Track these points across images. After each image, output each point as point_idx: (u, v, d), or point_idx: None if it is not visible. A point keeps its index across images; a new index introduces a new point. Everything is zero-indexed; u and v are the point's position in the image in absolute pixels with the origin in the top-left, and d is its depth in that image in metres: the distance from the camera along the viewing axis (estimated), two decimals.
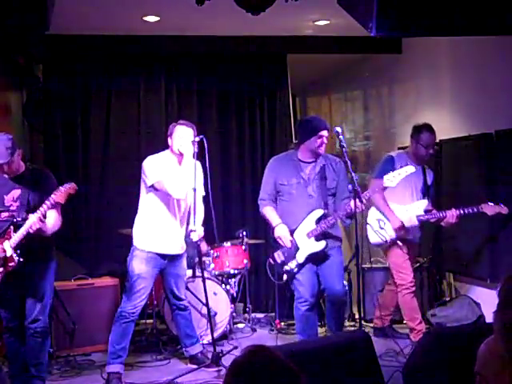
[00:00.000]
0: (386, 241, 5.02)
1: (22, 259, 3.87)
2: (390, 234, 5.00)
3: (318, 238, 4.53)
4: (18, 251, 3.86)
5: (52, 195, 3.85)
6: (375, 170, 5.14)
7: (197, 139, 4.42)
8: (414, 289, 4.97)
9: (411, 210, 4.97)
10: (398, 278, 5.00)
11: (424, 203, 4.98)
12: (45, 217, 3.83)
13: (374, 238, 5.11)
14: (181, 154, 4.46)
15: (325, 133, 4.56)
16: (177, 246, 4.60)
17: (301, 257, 4.54)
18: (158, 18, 5.49)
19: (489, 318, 5.35)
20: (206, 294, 4.60)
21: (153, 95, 6.42)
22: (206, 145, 4.37)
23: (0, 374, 3.81)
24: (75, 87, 6.25)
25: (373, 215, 5.11)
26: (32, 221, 3.79)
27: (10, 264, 3.88)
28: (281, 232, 4.56)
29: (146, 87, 6.41)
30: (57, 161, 6.18)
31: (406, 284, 4.95)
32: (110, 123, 6.33)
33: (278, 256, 4.60)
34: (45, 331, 4.09)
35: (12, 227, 3.89)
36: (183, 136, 4.45)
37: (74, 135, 6.26)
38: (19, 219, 3.91)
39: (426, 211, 4.94)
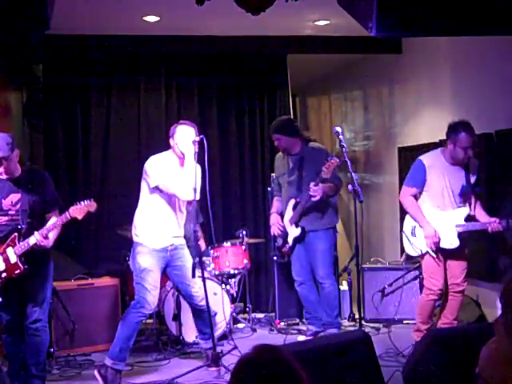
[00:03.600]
0: (421, 251, 4.64)
1: (27, 266, 3.89)
2: (424, 243, 4.63)
3: (296, 225, 5.24)
4: (23, 259, 3.88)
5: (70, 210, 3.91)
6: (408, 175, 4.85)
7: (197, 139, 4.40)
8: (440, 297, 4.70)
9: (450, 218, 4.56)
10: (428, 283, 4.70)
11: (465, 211, 4.56)
12: (46, 236, 3.90)
13: (408, 248, 4.77)
14: (183, 155, 4.43)
15: (273, 137, 5.34)
16: (178, 240, 4.60)
17: (290, 240, 5.31)
18: (157, 18, 5.49)
19: (489, 318, 5.37)
20: (206, 294, 4.59)
21: (153, 95, 6.42)
22: (205, 144, 4.33)
23: (0, 375, 3.81)
24: (75, 87, 6.25)
25: (408, 223, 4.77)
26: (35, 240, 3.86)
27: (16, 271, 3.89)
28: (271, 221, 5.51)
29: (146, 87, 6.40)
30: (57, 161, 6.18)
31: (434, 291, 4.66)
32: (109, 123, 6.33)
33: (278, 240, 5.43)
34: (44, 331, 4.10)
35: (16, 234, 3.90)
36: (184, 136, 4.42)
37: (74, 135, 6.26)
38: (23, 226, 3.91)
39: (467, 219, 4.54)
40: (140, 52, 6.24)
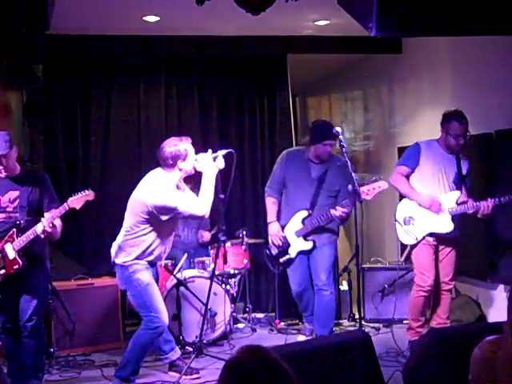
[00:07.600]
0: (417, 238, 4.68)
1: (26, 262, 3.90)
2: (419, 230, 4.69)
3: (306, 238, 4.95)
4: (21, 253, 3.89)
5: (68, 200, 3.91)
6: (402, 156, 4.98)
7: (223, 152, 4.33)
8: (430, 293, 4.71)
9: (443, 202, 4.63)
10: (418, 279, 4.71)
11: (456, 194, 4.64)
12: (53, 224, 3.88)
13: (403, 237, 4.79)
14: (189, 172, 4.31)
15: (330, 142, 4.86)
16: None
17: (293, 252, 5.01)
18: (157, 18, 5.49)
19: (489, 318, 5.37)
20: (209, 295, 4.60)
21: (153, 95, 6.41)
22: (235, 158, 4.36)
23: (0, 375, 3.81)
24: (75, 87, 6.25)
25: (400, 211, 4.81)
26: (42, 226, 3.83)
27: (15, 267, 3.91)
28: (272, 231, 5.07)
29: (146, 87, 6.40)
30: (57, 161, 6.17)
31: (424, 287, 4.67)
32: (109, 123, 6.32)
33: (273, 249, 5.09)
34: (39, 331, 4.10)
35: (15, 230, 3.91)
36: (192, 152, 4.28)
37: (74, 135, 6.26)
38: (22, 222, 3.92)
39: (459, 203, 4.62)
40: (140, 52, 6.24)
